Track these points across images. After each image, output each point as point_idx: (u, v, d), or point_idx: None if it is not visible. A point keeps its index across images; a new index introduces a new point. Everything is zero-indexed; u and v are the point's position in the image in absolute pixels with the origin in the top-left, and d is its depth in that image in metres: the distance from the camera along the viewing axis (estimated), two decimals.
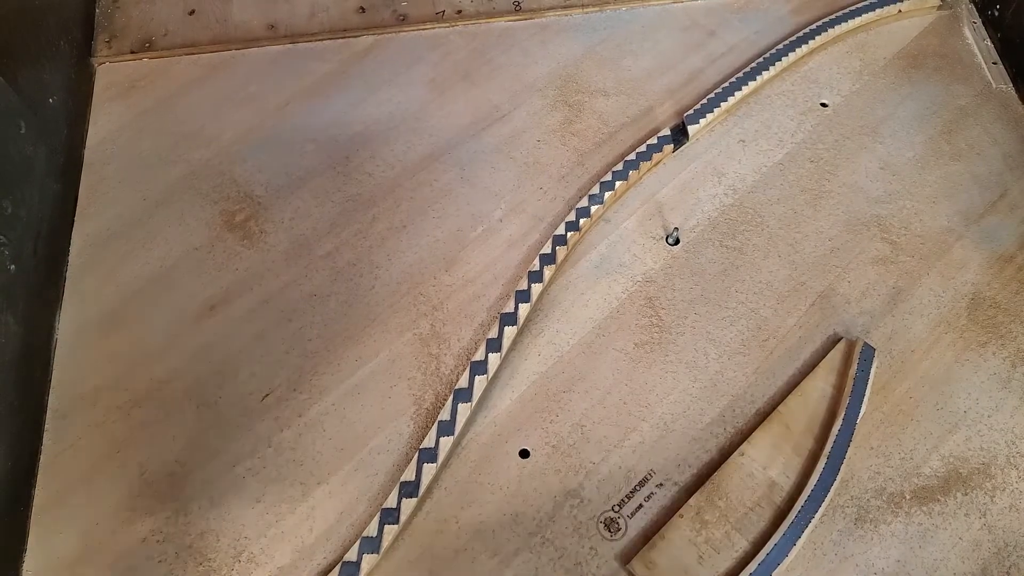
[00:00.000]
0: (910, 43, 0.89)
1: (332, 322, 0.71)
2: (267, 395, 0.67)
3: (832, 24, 0.88)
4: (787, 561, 0.59)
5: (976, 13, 0.91)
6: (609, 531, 0.61)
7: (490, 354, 0.67)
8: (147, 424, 0.66)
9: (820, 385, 0.66)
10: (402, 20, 0.91)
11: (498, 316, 0.69)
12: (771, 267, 0.74)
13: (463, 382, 0.66)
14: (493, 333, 0.68)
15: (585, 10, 0.92)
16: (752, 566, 0.58)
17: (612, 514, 0.62)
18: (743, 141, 0.80)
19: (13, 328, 0.64)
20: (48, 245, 0.72)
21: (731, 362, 0.69)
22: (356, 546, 0.59)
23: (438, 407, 0.66)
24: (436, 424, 0.64)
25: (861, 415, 0.65)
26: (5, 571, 0.59)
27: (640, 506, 0.62)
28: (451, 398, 0.65)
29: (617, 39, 0.90)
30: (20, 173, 0.70)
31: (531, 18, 0.92)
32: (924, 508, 0.62)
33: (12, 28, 0.74)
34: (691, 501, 0.61)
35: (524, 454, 0.65)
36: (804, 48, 0.86)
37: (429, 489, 0.62)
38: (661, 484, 0.63)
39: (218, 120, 0.84)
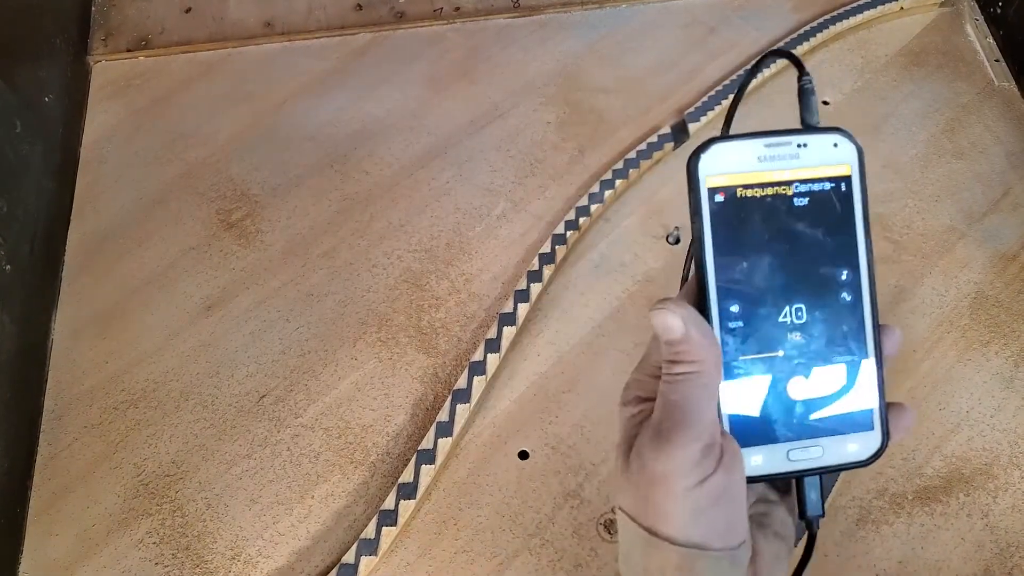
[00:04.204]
0: (912, 40, 0.88)
1: (329, 322, 0.70)
2: (264, 395, 0.67)
3: (833, 21, 0.88)
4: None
5: (978, 10, 0.91)
6: (609, 533, 0.61)
7: (489, 354, 0.66)
8: (143, 425, 0.66)
9: None
10: (400, 17, 0.90)
11: (497, 316, 0.69)
12: None
13: (462, 383, 0.65)
14: (492, 333, 0.68)
15: (585, 7, 0.91)
16: None
17: (612, 516, 0.61)
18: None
19: (9, 328, 0.64)
20: (44, 244, 0.72)
21: None
22: (354, 548, 0.59)
23: (436, 408, 0.66)
24: (434, 425, 0.63)
25: None
26: (1, 573, 0.59)
27: None
28: (449, 399, 0.64)
29: (617, 36, 0.89)
30: (15, 172, 0.69)
31: (530, 15, 0.91)
32: (926, 509, 0.61)
33: (8, 26, 0.74)
34: None
35: (523, 455, 0.64)
36: (805, 45, 0.86)
37: (427, 491, 0.62)
38: None
39: (214, 118, 0.83)
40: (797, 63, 0.32)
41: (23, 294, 0.67)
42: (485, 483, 0.63)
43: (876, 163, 0.79)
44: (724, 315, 0.30)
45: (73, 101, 0.82)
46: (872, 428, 0.31)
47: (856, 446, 0.30)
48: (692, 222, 0.30)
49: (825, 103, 0.83)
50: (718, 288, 0.30)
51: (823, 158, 0.30)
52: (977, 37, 0.88)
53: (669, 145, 0.79)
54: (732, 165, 0.30)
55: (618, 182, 0.76)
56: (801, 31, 0.87)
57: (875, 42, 0.89)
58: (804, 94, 0.32)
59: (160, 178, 0.79)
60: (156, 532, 0.61)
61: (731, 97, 0.82)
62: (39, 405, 0.66)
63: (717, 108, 0.81)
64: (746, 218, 0.30)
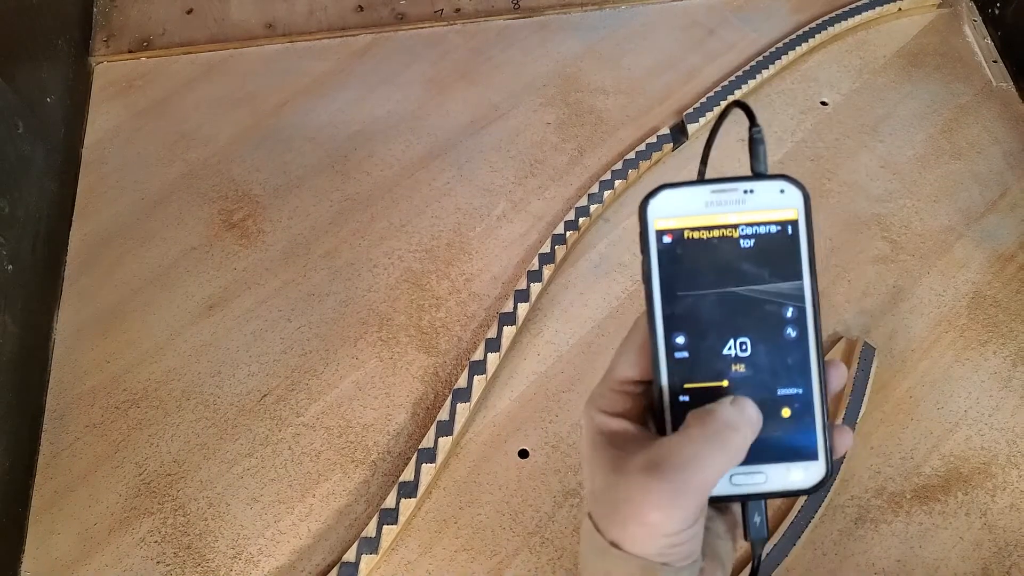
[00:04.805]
0: (910, 41, 0.89)
1: (330, 322, 0.71)
2: (265, 395, 0.67)
3: (832, 22, 0.88)
4: (787, 561, 0.58)
5: (976, 11, 0.91)
6: None
7: (489, 354, 0.67)
8: (145, 424, 0.66)
9: None
10: (400, 19, 0.91)
11: (497, 316, 0.69)
12: None
13: (462, 382, 0.65)
14: (492, 333, 0.68)
15: (584, 8, 0.92)
16: None
17: None
18: (743, 140, 0.80)
19: (11, 328, 0.64)
20: (46, 245, 0.72)
21: None
22: (355, 546, 0.59)
23: (437, 407, 0.66)
24: (435, 424, 0.64)
25: (861, 414, 0.64)
26: (3, 572, 0.59)
27: None
28: (450, 398, 0.65)
29: (616, 38, 0.90)
30: (17, 173, 0.69)
31: (530, 16, 0.91)
32: (925, 508, 0.62)
33: (9, 27, 0.74)
34: None
35: (523, 454, 0.64)
36: (804, 46, 0.86)
37: (428, 489, 0.62)
38: None
39: (216, 119, 0.83)
40: (749, 114, 0.34)
41: (25, 294, 0.67)
42: (485, 482, 0.63)
43: (874, 163, 0.80)
44: (670, 345, 0.32)
45: (75, 102, 0.83)
46: (816, 458, 0.32)
47: (800, 474, 0.32)
48: (642, 260, 0.32)
49: (823, 104, 0.84)
50: (664, 320, 0.32)
51: (769, 203, 0.32)
52: (975, 38, 0.89)
53: (668, 146, 0.80)
54: (680, 209, 0.32)
55: (617, 183, 0.77)
56: (800, 32, 0.87)
57: (873, 43, 0.89)
58: (754, 143, 0.34)
59: (162, 178, 0.79)
60: (158, 531, 0.61)
61: (730, 98, 0.82)
62: (41, 405, 0.67)
63: (716, 109, 0.81)
64: (693, 257, 0.32)
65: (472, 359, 0.66)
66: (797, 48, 0.86)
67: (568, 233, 0.74)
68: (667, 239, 0.32)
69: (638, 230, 0.32)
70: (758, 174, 0.33)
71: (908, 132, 0.82)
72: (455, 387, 0.65)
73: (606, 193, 0.76)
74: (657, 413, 0.32)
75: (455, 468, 0.64)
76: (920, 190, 0.78)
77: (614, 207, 0.77)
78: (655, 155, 0.79)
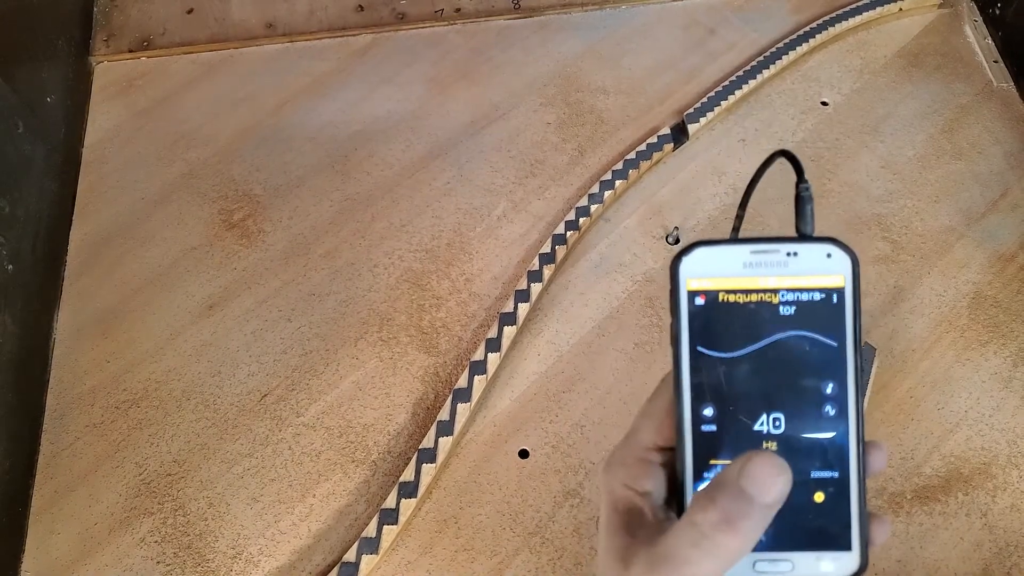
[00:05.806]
0: (911, 41, 0.89)
1: (331, 321, 0.71)
2: (265, 395, 0.67)
3: (832, 22, 0.88)
4: None
5: (977, 11, 0.91)
6: None
7: (489, 354, 0.67)
8: (145, 424, 0.66)
9: None
10: (401, 18, 0.91)
11: (497, 316, 0.69)
12: None
13: (462, 382, 0.65)
14: (492, 333, 0.68)
15: (585, 8, 0.92)
16: None
17: None
18: (743, 140, 0.80)
19: (11, 328, 0.64)
20: (46, 245, 0.72)
21: None
22: (355, 547, 0.59)
23: (437, 407, 0.66)
24: (435, 424, 0.64)
25: None
26: (3, 572, 0.59)
27: None
28: (450, 398, 0.65)
29: (617, 37, 0.90)
30: (18, 172, 0.69)
31: (530, 16, 0.91)
32: (925, 508, 0.62)
33: (10, 27, 0.74)
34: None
35: (524, 454, 0.64)
36: (804, 46, 0.86)
37: (428, 489, 0.62)
38: None
39: (216, 119, 0.83)
40: (797, 168, 0.31)
41: (25, 294, 0.67)
42: (486, 482, 0.63)
43: (875, 164, 0.80)
44: (696, 418, 0.29)
45: (75, 102, 0.83)
46: (850, 548, 0.29)
47: (831, 566, 0.29)
48: (671, 322, 0.30)
49: (824, 104, 0.84)
50: (692, 389, 0.29)
51: (814, 268, 0.29)
52: (976, 38, 0.89)
53: (668, 146, 0.80)
54: (715, 269, 0.29)
55: (618, 183, 0.77)
56: (800, 32, 0.87)
57: (874, 43, 0.89)
58: (801, 201, 0.31)
59: (162, 178, 0.79)
60: (158, 531, 0.61)
61: (731, 98, 0.82)
62: (41, 404, 0.67)
63: (716, 109, 0.81)
64: (727, 323, 0.29)
65: (472, 359, 0.66)
66: (798, 48, 0.86)
67: (568, 233, 0.74)
68: (699, 300, 0.29)
69: (668, 288, 0.30)
70: (804, 235, 0.31)
71: (909, 132, 0.82)
72: (455, 387, 0.65)
73: (606, 193, 0.76)
74: (679, 491, 0.30)
75: (455, 468, 0.64)
76: (921, 190, 0.78)
77: (614, 207, 0.77)
78: (656, 155, 0.79)
